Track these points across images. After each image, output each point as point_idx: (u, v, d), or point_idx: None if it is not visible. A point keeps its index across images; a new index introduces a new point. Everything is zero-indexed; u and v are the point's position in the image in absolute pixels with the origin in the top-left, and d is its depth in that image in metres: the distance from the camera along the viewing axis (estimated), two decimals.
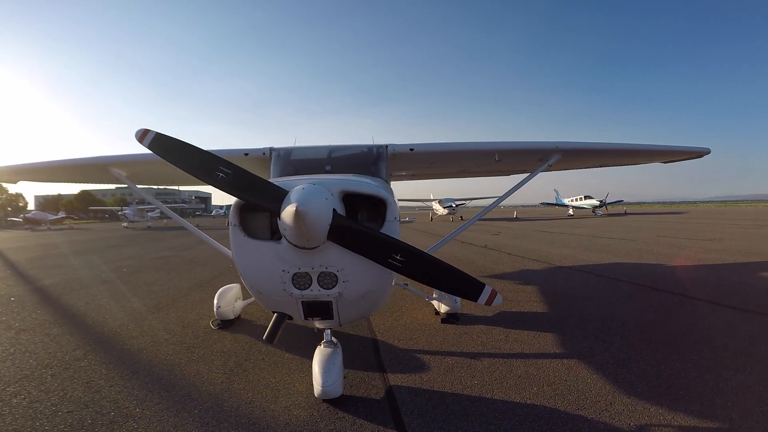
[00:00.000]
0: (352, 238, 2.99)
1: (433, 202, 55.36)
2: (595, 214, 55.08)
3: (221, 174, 3.12)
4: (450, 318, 6.68)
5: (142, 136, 3.49)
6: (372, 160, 5.72)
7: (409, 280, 5.70)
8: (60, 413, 3.88)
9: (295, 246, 3.08)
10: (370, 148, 5.89)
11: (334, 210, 2.95)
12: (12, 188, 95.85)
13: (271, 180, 3.60)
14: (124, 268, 13.49)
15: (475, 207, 58.96)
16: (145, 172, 7.31)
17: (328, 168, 5.40)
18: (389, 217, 3.42)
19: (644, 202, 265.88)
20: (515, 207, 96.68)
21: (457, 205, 51.30)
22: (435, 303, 6.96)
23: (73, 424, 3.68)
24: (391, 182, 9.27)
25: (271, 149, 5.97)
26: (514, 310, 7.29)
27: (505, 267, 12.15)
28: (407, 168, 7.66)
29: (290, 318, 3.84)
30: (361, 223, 3.25)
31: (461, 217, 51.38)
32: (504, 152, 6.28)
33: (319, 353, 4.02)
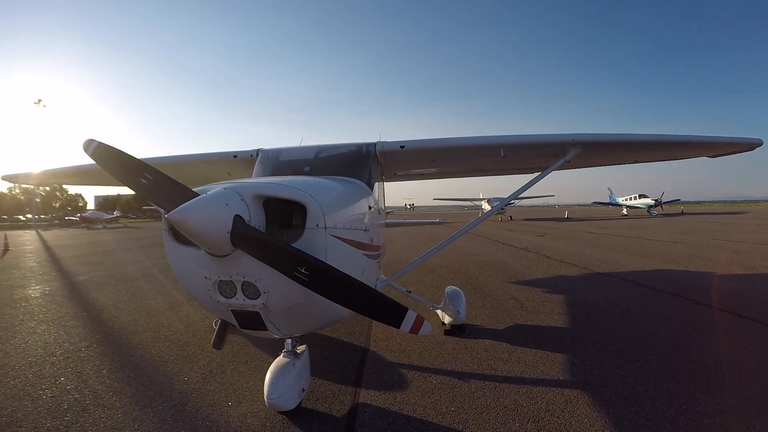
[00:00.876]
0: (256, 246, 2.66)
1: (483, 202, 53.00)
2: (650, 214, 51.07)
3: (144, 180, 2.91)
4: (454, 330, 6.10)
5: (87, 145, 3.35)
6: (357, 160, 5.31)
7: (413, 287, 5.33)
8: (44, 397, 4.23)
9: (209, 253, 2.80)
10: (358, 146, 5.48)
11: (236, 216, 2.63)
12: (72, 189, 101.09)
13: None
14: (158, 265, 13.69)
15: (524, 207, 56.96)
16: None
17: (306, 169, 5.07)
18: (310, 224, 2.99)
19: (704, 201, 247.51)
20: (568, 206, 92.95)
21: (505, 204, 48.99)
22: (439, 312, 6.39)
23: (50, 407, 4.01)
24: (406, 181, 8.64)
25: (259, 151, 5.70)
26: (530, 323, 6.52)
27: (538, 272, 11.20)
28: (407, 166, 6.97)
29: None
30: (264, 232, 2.85)
31: (510, 217, 49.02)
32: (511, 147, 5.53)
33: (274, 364, 3.81)
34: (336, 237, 3.25)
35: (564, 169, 6.86)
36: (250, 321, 3.27)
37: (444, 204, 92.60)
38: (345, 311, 3.46)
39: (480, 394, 4.13)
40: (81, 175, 8.07)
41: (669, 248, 15.89)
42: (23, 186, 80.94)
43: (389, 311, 2.93)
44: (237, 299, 3.07)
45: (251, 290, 3.00)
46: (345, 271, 2.82)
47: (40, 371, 4.91)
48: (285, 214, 3.18)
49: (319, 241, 3.03)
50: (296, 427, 3.57)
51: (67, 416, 3.84)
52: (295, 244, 2.88)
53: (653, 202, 53.62)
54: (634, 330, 6.00)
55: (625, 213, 54.16)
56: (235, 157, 5.99)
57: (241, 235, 2.63)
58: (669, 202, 58.71)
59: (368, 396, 4.16)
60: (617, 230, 27.01)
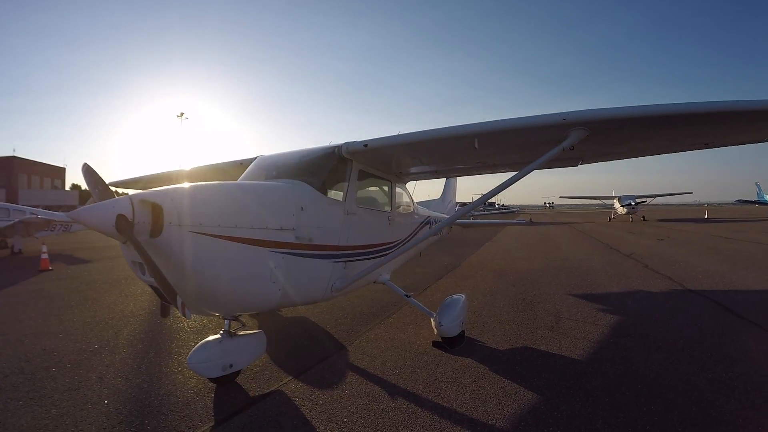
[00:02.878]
0: (128, 237, 3.12)
1: (615, 200, 46.71)
2: None
3: (97, 189, 3.72)
4: (440, 343, 5.45)
5: (83, 167, 3.99)
6: (316, 163, 5.23)
7: (413, 291, 5.80)
8: (22, 360, 5.09)
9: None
10: (323, 149, 5.35)
11: (119, 215, 3.08)
12: None
13: None
14: None
15: (661, 206, 49.68)
16: None
17: (273, 173, 5.21)
18: (166, 222, 3.29)
19: None
20: (709, 205, 78.69)
21: (636, 203, 42.58)
22: (432, 321, 5.62)
23: (14, 369, 4.82)
24: (413, 182, 7.76)
25: (257, 157, 5.99)
26: (542, 347, 5.31)
27: (618, 284, 9.27)
28: (392, 165, 6.22)
29: None
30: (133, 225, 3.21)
31: (643, 217, 42.76)
32: (487, 136, 4.49)
33: (208, 337, 4.52)
34: (206, 234, 3.44)
35: (571, 162, 5.85)
36: (160, 295, 3.62)
37: (571, 203, 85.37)
38: (226, 301, 3.82)
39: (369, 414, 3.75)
40: (171, 181, 8.59)
41: None
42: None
43: (169, 296, 3.18)
44: (146, 276, 3.40)
45: (144, 269, 3.34)
46: (231, 266, 3.61)
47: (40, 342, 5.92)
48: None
49: (174, 237, 3.30)
50: (211, 392, 4.19)
51: None
52: (156, 239, 3.26)
53: None
54: (680, 386, 4.15)
55: None
56: (242, 164, 6.43)
57: (122, 228, 3.07)
58: None
59: (295, 386, 4.32)
60: (755, 235, 21.84)
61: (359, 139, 5.10)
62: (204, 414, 3.76)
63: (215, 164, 7.26)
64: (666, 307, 7.22)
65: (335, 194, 5.27)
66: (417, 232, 7.58)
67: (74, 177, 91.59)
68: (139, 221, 3.17)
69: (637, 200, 42.68)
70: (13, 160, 60.63)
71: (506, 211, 61.12)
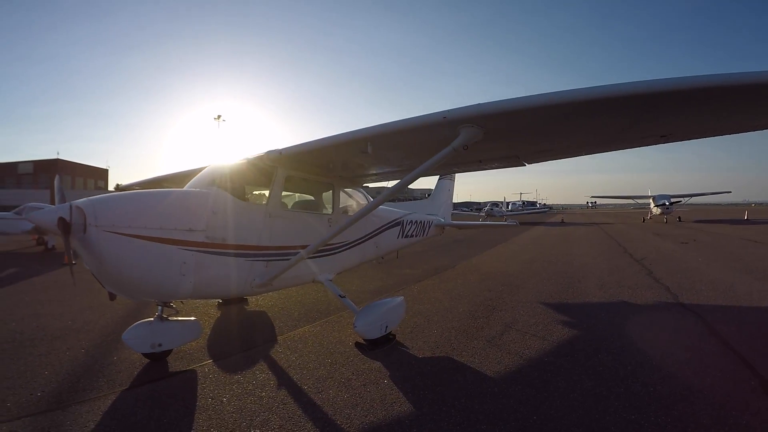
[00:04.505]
0: (64, 235, 3.86)
1: (650, 200, 43.23)
2: None
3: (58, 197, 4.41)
4: (360, 344, 5.47)
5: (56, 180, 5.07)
6: (244, 170, 5.47)
7: (347, 292, 5.84)
8: (16, 333, 6.18)
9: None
10: (252, 158, 5.46)
11: (60, 218, 3.78)
12: None
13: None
14: None
15: (699, 206, 46.29)
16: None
17: (204, 180, 5.44)
18: (88, 223, 3.92)
19: None
20: (756, 205, 72.00)
21: (671, 203, 39.52)
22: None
23: (7, 339, 5.89)
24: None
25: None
26: (466, 362, 4.91)
27: (606, 293, 8.48)
28: (324, 170, 6.19)
29: None
30: (66, 228, 3.87)
31: (679, 218, 39.45)
32: (379, 139, 4.38)
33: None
34: (118, 233, 4.01)
35: (511, 161, 5.64)
36: (98, 280, 4.30)
37: (614, 203, 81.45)
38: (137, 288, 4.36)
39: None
40: (165, 184, 8.90)
41: None
42: None
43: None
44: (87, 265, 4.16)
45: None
46: (139, 259, 4.16)
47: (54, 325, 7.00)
48: None
49: (93, 235, 3.91)
50: (142, 365, 4.89)
51: None
52: (83, 236, 3.91)
53: None
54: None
55: None
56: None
57: (61, 227, 3.77)
58: None
59: (209, 368, 4.84)
60: None
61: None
62: (125, 379, 4.49)
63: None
64: (637, 325, 6.33)
65: (260, 198, 5.45)
66: (376, 233, 7.36)
67: (118, 177, 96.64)
68: (74, 222, 3.82)
69: (672, 200, 39.75)
70: (57, 162, 63.78)
71: (539, 210, 59.60)
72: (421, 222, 9.67)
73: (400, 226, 8.50)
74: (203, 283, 4.61)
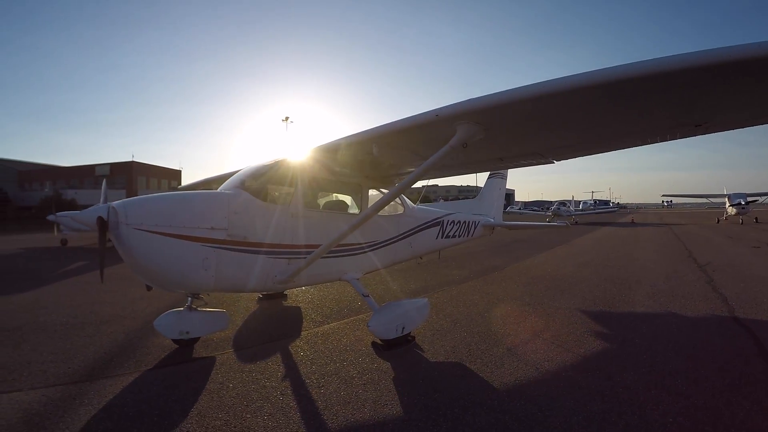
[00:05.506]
0: (101, 232, 4.31)
1: (725, 199, 38.40)
2: None
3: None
4: (376, 343, 5.44)
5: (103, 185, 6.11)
6: (268, 173, 5.60)
7: (370, 291, 6.01)
8: (71, 317, 6.94)
9: None
10: (273, 161, 5.74)
11: (99, 217, 4.26)
12: None
13: None
14: None
15: None
16: None
17: (233, 182, 5.67)
18: (120, 222, 4.31)
19: None
20: None
21: (747, 203, 34.55)
22: None
23: (63, 322, 6.68)
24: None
25: None
26: (477, 370, 4.71)
27: (650, 302, 7.62)
28: (353, 170, 6.23)
29: None
30: (104, 226, 4.32)
31: (756, 219, 34.77)
32: (383, 139, 4.37)
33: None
34: (146, 230, 4.37)
35: (538, 159, 5.33)
36: None
37: (691, 201, 74.23)
38: (163, 280, 4.69)
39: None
40: (213, 185, 9.59)
41: None
42: None
43: None
44: None
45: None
46: (165, 254, 4.46)
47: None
48: None
49: (123, 231, 4.30)
50: (170, 350, 5.31)
51: None
52: (117, 232, 4.31)
53: None
54: None
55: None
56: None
57: (100, 225, 4.22)
58: None
59: (228, 357, 5.13)
60: None
61: None
62: (151, 361, 4.95)
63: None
64: (677, 342, 5.47)
65: (284, 199, 5.58)
66: (409, 234, 7.24)
67: (190, 178, 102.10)
68: (110, 221, 4.25)
69: (748, 199, 34.98)
70: (132, 164, 66.92)
71: (608, 210, 55.91)
72: (464, 222, 9.35)
73: (439, 227, 8.29)
74: (224, 277, 4.84)
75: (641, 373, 4.44)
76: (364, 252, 6.35)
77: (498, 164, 5.65)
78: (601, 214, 52.96)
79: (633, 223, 38.58)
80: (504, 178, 12.81)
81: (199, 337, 5.48)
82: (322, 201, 6.50)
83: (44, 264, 14.29)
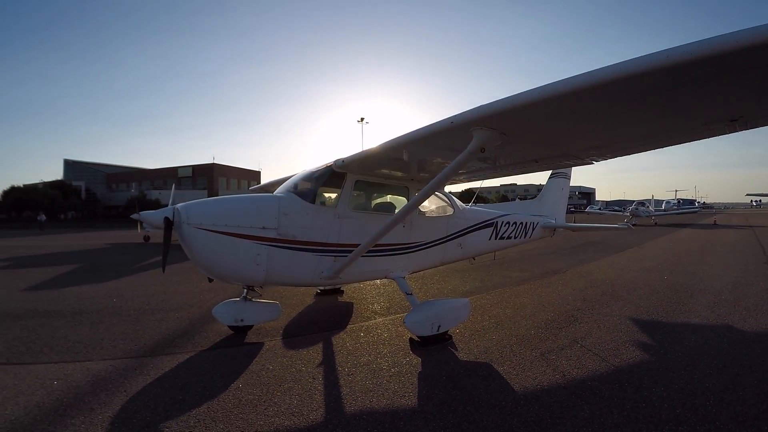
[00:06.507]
0: (166, 231, 4.92)
1: None
2: None
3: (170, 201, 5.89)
4: (412, 339, 5.67)
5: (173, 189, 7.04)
6: (316, 178, 5.95)
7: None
8: (144, 304, 7.78)
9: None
10: (322, 167, 6.09)
11: (165, 218, 4.93)
12: None
13: None
14: None
15: None
16: None
17: (287, 186, 6.11)
18: (182, 221, 4.88)
19: None
20: None
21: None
22: None
23: (137, 309, 7.51)
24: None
25: None
26: (504, 372, 4.79)
27: (709, 314, 6.93)
28: (401, 173, 6.32)
29: None
30: (171, 221, 4.96)
31: None
32: (411, 145, 4.54)
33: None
34: (204, 229, 4.91)
35: (529, 165, 5.50)
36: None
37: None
38: (219, 273, 5.19)
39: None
40: (271, 189, 10.31)
41: None
42: None
43: None
44: None
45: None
46: (221, 250, 4.98)
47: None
48: None
49: (184, 230, 4.87)
50: (225, 335, 5.94)
51: None
52: (180, 231, 4.89)
53: None
54: None
55: None
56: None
57: (166, 224, 4.86)
58: None
59: (274, 343, 5.62)
60: None
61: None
62: (207, 343, 5.62)
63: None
64: (722, 357, 5.04)
65: (332, 201, 5.96)
66: (459, 234, 7.33)
67: (268, 178, 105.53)
68: (175, 221, 4.88)
69: None
70: (213, 166, 70.18)
71: (687, 211, 50.98)
72: (521, 223, 9.11)
73: (492, 228, 8.18)
74: (274, 272, 5.29)
75: (672, 390, 4.18)
76: (411, 252, 6.53)
77: (534, 166, 5.56)
78: (682, 215, 48.62)
79: (715, 225, 35.11)
80: (567, 177, 12.25)
81: (252, 325, 6.07)
82: (370, 203, 6.74)
83: (127, 258, 16.12)
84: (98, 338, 5.89)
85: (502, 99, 3.34)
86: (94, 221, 56.04)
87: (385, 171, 6.02)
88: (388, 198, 6.90)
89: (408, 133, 4.39)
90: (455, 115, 3.68)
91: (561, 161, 5.30)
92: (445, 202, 7.25)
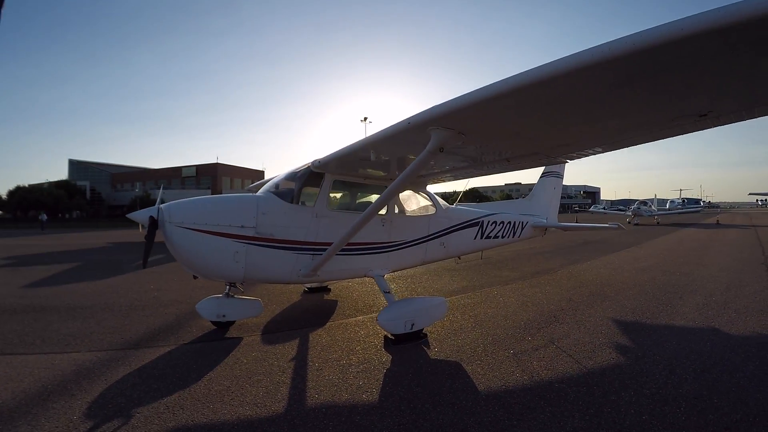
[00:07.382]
0: (149, 229, 5.02)
1: None
2: None
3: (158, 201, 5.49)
4: (386, 336, 5.66)
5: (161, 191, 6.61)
6: (295, 178, 6.05)
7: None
8: (137, 300, 7.96)
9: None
10: (301, 167, 6.19)
11: (150, 216, 5.02)
12: None
13: None
14: None
15: None
16: None
17: (267, 187, 6.22)
18: (165, 220, 5.07)
19: None
20: None
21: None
22: None
23: (129, 305, 7.66)
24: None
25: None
26: (471, 371, 4.77)
27: (696, 315, 6.72)
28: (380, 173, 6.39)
29: None
30: (155, 221, 5.08)
31: None
32: (374, 146, 4.60)
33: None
34: (186, 228, 5.09)
35: (501, 164, 5.46)
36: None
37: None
38: (200, 269, 5.32)
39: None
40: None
41: None
42: None
43: None
44: None
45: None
46: (201, 248, 5.12)
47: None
48: None
49: (167, 228, 5.08)
50: (207, 329, 6.07)
51: None
52: (163, 230, 5.05)
53: None
54: None
55: None
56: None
57: (151, 223, 4.97)
58: None
59: (253, 339, 5.71)
60: None
61: None
62: (189, 337, 5.76)
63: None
64: (700, 361, 4.89)
65: (309, 200, 6.01)
66: (442, 234, 7.30)
67: None
68: (159, 219, 5.04)
69: None
70: (216, 165, 69.44)
71: (689, 210, 50.25)
72: (509, 223, 9.02)
73: (478, 227, 8.10)
74: (253, 269, 5.43)
75: (642, 395, 4.05)
76: (391, 250, 6.56)
77: (507, 165, 5.49)
78: (684, 214, 47.98)
79: (717, 225, 34.63)
80: (559, 176, 12.11)
81: (234, 321, 6.21)
82: (348, 202, 6.79)
83: (126, 256, 16.47)
84: (88, 332, 6.08)
85: (454, 98, 3.33)
86: (98, 221, 56.28)
87: (363, 171, 6.04)
88: (367, 198, 6.95)
89: (373, 134, 4.45)
90: (412, 116, 3.71)
91: (534, 160, 5.27)
92: (428, 201, 7.21)
